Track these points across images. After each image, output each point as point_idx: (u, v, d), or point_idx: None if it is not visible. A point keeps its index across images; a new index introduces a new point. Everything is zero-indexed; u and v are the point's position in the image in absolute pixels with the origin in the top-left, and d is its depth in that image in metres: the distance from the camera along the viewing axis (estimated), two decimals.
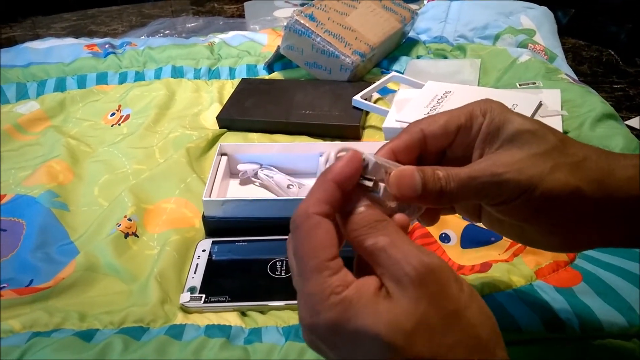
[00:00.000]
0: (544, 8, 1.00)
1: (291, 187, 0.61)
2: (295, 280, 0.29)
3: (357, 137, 0.72)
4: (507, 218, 0.32)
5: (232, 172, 0.65)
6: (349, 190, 0.28)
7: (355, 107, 0.75)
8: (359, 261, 0.31)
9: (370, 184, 0.29)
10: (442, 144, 0.33)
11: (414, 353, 0.24)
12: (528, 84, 0.75)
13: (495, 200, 0.30)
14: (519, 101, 0.63)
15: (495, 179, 0.29)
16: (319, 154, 0.63)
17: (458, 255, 0.50)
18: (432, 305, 0.25)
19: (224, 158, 0.63)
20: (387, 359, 0.24)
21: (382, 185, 0.30)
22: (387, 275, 0.26)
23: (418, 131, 0.33)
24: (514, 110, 0.32)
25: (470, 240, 0.51)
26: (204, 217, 0.55)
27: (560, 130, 0.57)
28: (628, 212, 0.30)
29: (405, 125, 0.64)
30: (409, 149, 0.33)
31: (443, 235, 0.52)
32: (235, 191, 0.63)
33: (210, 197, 0.56)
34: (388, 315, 0.25)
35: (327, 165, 0.32)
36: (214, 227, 0.55)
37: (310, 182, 0.61)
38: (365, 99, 0.75)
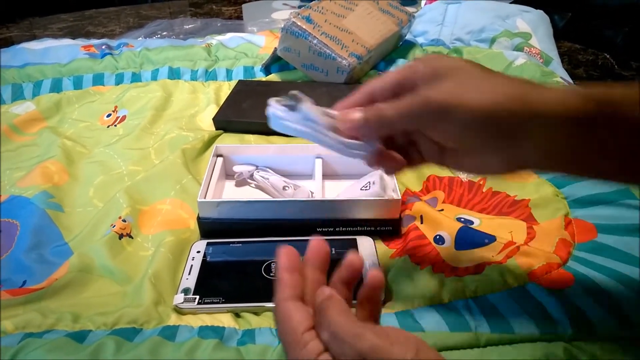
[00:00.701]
0: (540, 12, 1.00)
1: (287, 188, 0.61)
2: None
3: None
4: (449, 143, 0.36)
5: (227, 174, 0.65)
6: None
7: None
8: None
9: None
10: (390, 95, 0.37)
11: None
12: None
13: (427, 122, 0.36)
14: None
15: (424, 101, 0.34)
16: (314, 156, 0.63)
17: (452, 257, 0.50)
18: None
19: (220, 159, 0.63)
20: None
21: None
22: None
23: (368, 86, 0.39)
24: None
25: (464, 242, 0.51)
26: (198, 219, 0.55)
27: None
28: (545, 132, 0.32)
29: None
30: (362, 101, 0.39)
31: (437, 237, 0.53)
32: (231, 193, 0.63)
33: (205, 198, 0.56)
34: None
35: None
36: (209, 228, 0.55)
37: (305, 184, 0.62)
38: None
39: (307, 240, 0.54)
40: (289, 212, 0.54)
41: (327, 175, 0.64)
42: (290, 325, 0.31)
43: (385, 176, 0.57)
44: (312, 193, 0.60)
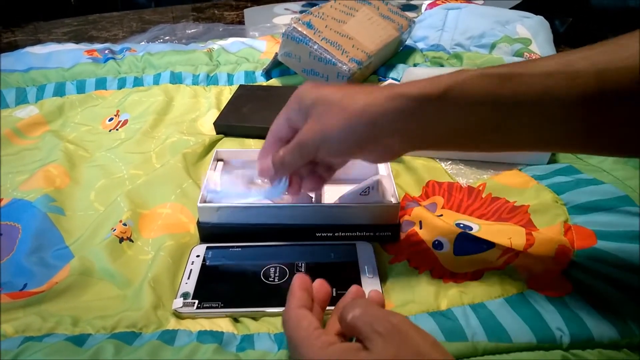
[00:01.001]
0: (540, 17, 1.00)
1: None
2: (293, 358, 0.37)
3: None
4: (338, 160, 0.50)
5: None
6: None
7: None
8: None
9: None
10: (291, 133, 0.46)
11: None
12: None
13: (309, 156, 0.45)
14: None
15: (300, 144, 0.44)
16: None
17: (451, 263, 0.50)
18: (400, 351, 0.31)
19: (220, 164, 0.63)
20: None
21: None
22: (364, 337, 0.33)
23: (272, 133, 0.49)
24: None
25: (463, 247, 0.51)
26: (198, 223, 0.55)
27: None
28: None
29: None
30: (274, 146, 0.48)
31: (436, 242, 0.53)
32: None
33: (205, 203, 0.56)
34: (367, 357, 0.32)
35: None
36: (209, 233, 0.56)
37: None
38: None
39: (306, 245, 0.54)
40: (289, 217, 0.54)
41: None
42: (302, 325, 0.36)
43: (384, 181, 0.57)
44: (311, 198, 0.60)
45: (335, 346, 0.34)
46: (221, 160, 0.64)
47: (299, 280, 0.41)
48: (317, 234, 0.55)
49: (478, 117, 0.38)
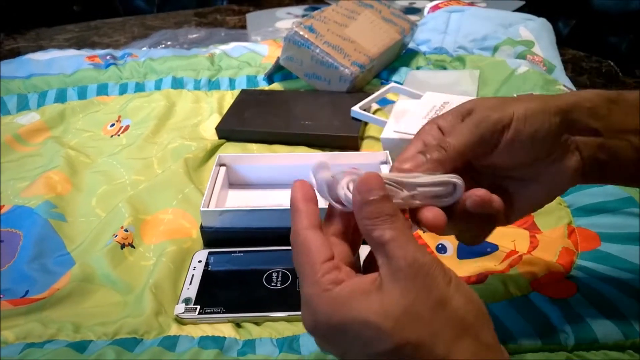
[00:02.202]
0: (543, 20, 1.00)
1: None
2: (300, 293, 0.31)
3: (356, 148, 0.72)
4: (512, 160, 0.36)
5: (230, 183, 0.65)
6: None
7: (354, 118, 0.75)
8: (369, 256, 0.34)
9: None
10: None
11: (401, 337, 0.27)
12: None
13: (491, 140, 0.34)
14: None
15: (484, 118, 0.34)
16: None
17: (454, 266, 0.50)
18: (419, 296, 0.27)
19: (223, 169, 0.63)
20: (377, 344, 0.27)
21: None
22: (385, 267, 0.29)
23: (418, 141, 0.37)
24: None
25: (466, 251, 0.51)
26: (201, 228, 0.55)
27: None
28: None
29: (403, 135, 0.65)
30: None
31: (440, 245, 0.52)
32: (233, 202, 0.63)
33: (208, 207, 0.56)
34: (377, 304, 0.27)
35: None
36: (212, 237, 0.55)
37: None
38: (364, 110, 0.76)
39: None
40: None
41: None
42: (308, 255, 0.30)
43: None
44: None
45: (342, 286, 0.29)
46: (224, 165, 0.64)
47: (301, 190, 0.34)
48: None
49: None
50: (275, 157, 0.65)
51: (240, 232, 0.55)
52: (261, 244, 0.54)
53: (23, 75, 0.94)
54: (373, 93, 0.79)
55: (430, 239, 0.53)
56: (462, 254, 0.51)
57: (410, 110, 0.70)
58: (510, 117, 0.34)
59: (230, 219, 0.54)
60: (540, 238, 0.51)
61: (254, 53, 1.02)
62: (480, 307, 0.29)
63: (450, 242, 0.52)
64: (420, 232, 0.54)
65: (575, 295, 0.44)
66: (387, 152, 0.62)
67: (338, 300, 0.28)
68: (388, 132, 0.67)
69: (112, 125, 0.82)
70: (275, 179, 0.64)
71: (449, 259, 0.51)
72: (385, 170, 0.61)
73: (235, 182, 0.65)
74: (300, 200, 0.33)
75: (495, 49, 0.94)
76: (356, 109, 0.75)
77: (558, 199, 0.56)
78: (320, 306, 0.29)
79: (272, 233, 0.54)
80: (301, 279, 0.31)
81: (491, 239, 0.51)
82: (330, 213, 0.34)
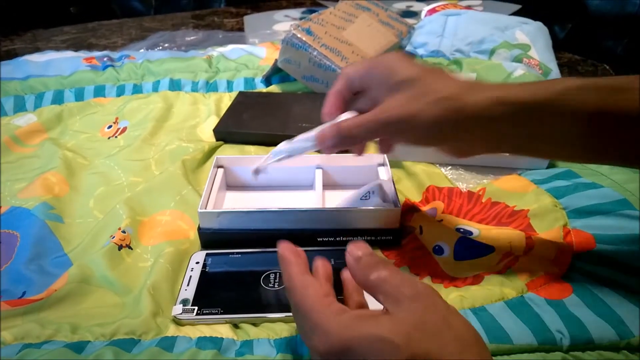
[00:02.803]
0: (539, 23, 1.00)
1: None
2: (302, 330, 0.34)
3: None
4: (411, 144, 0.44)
5: (228, 185, 0.65)
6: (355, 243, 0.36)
7: None
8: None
9: None
10: (360, 85, 0.45)
11: (413, 350, 0.28)
12: None
13: (389, 134, 0.44)
14: None
15: (383, 122, 0.42)
16: (315, 166, 0.64)
17: (451, 268, 0.50)
18: (426, 314, 0.30)
19: (220, 170, 0.63)
20: (390, 358, 0.28)
21: None
22: (389, 299, 0.31)
23: (345, 75, 0.46)
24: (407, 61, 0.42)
25: (463, 252, 0.51)
26: (199, 229, 0.55)
27: None
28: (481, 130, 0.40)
29: None
30: (338, 106, 0.47)
31: (437, 247, 0.53)
32: (231, 203, 0.63)
33: (206, 208, 0.56)
34: (388, 323, 0.30)
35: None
36: (210, 239, 0.56)
37: (306, 195, 0.62)
38: None
39: (305, 250, 0.54)
40: (290, 221, 0.54)
41: (327, 185, 0.64)
42: (309, 293, 0.33)
43: (385, 186, 0.57)
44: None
45: (350, 312, 0.31)
46: (221, 167, 0.64)
47: (287, 247, 0.38)
48: (318, 239, 0.55)
49: (580, 128, 0.38)
50: None
51: (238, 233, 0.55)
52: (259, 246, 0.54)
53: (20, 77, 0.94)
54: None
55: (428, 241, 0.53)
56: (458, 256, 0.51)
57: None
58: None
59: (228, 220, 0.54)
60: (536, 239, 0.51)
61: (251, 55, 1.02)
62: (477, 332, 0.31)
63: (448, 244, 0.52)
64: (417, 233, 0.54)
65: (571, 296, 0.44)
66: (385, 154, 0.62)
67: (349, 323, 0.30)
68: None
69: (110, 127, 0.82)
70: (273, 180, 0.65)
71: (446, 261, 0.51)
72: (383, 175, 0.62)
73: (232, 184, 0.65)
74: (289, 253, 0.37)
75: (491, 52, 0.94)
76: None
77: (554, 200, 0.57)
78: (332, 329, 0.30)
79: (270, 234, 0.54)
80: (307, 315, 0.32)
81: (488, 240, 0.51)
82: (315, 270, 0.39)
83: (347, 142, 0.44)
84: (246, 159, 0.65)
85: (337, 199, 0.61)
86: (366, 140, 0.46)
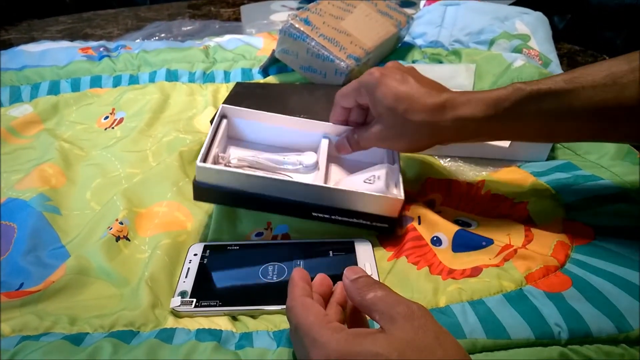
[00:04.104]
0: (539, 13, 1.00)
1: (286, 157, 0.59)
2: (300, 349, 0.35)
3: None
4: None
5: (229, 136, 0.62)
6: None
7: None
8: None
9: None
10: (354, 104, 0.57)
11: None
12: None
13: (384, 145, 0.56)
14: None
15: (373, 144, 0.56)
16: (322, 134, 0.62)
17: (449, 259, 0.50)
18: (419, 333, 0.32)
19: (224, 121, 0.60)
20: None
21: None
22: (384, 317, 0.33)
23: (339, 106, 0.58)
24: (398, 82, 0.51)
25: (461, 244, 0.51)
26: (194, 182, 0.53)
27: None
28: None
29: None
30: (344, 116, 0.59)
31: (435, 238, 0.52)
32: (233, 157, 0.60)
33: (205, 162, 0.53)
34: (384, 341, 0.31)
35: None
36: (204, 194, 0.54)
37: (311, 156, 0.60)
38: None
39: (304, 243, 0.54)
40: (288, 192, 0.53)
41: (333, 157, 0.62)
42: (311, 311, 0.35)
43: (392, 173, 0.56)
44: (317, 163, 0.59)
45: (348, 330, 0.33)
46: (225, 117, 0.61)
47: (299, 273, 0.41)
48: (313, 213, 0.54)
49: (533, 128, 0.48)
50: (280, 119, 0.62)
51: (233, 193, 0.53)
52: (252, 207, 0.55)
53: (15, 67, 0.93)
54: None
55: (426, 231, 0.53)
56: (457, 247, 0.51)
57: None
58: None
59: (226, 178, 0.52)
60: (535, 232, 0.51)
61: (248, 46, 1.01)
62: (466, 353, 0.33)
63: (446, 235, 0.52)
64: (415, 224, 0.54)
65: (569, 289, 0.44)
66: None
67: (348, 339, 0.32)
68: None
69: (106, 117, 0.82)
70: (278, 140, 0.63)
71: (444, 252, 0.51)
72: (391, 161, 0.60)
73: (235, 137, 0.63)
74: (298, 279, 0.40)
75: (491, 43, 0.94)
76: None
77: (553, 193, 0.57)
78: (331, 343, 0.32)
79: (265, 200, 0.53)
80: (307, 333, 0.34)
81: (486, 232, 0.51)
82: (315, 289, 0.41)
83: (357, 149, 0.58)
84: (251, 113, 0.62)
85: (340, 174, 0.60)
86: (371, 147, 0.57)
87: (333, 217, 0.54)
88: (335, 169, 0.62)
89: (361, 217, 0.54)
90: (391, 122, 0.51)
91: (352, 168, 0.61)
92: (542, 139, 0.55)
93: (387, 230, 0.54)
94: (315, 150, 0.61)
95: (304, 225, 0.57)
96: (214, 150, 0.56)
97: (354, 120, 0.59)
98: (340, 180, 0.58)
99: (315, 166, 0.59)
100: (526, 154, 0.65)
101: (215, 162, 0.56)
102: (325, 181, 0.58)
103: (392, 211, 0.53)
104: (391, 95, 0.50)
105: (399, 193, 0.53)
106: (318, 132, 0.62)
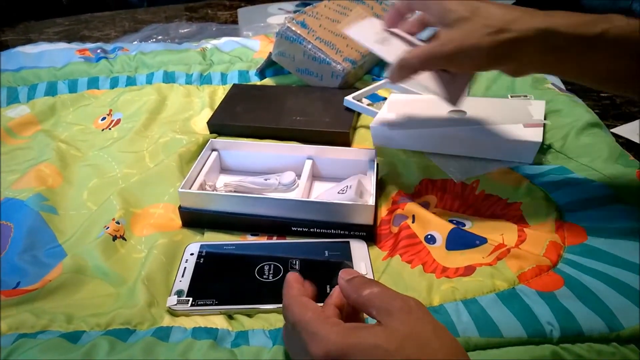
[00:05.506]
0: None
1: (268, 179, 0.63)
2: (297, 346, 0.36)
3: (347, 143, 0.73)
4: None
5: (221, 168, 0.67)
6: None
7: (347, 109, 0.76)
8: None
9: None
10: (417, 9, 0.52)
11: (404, 355, 0.30)
12: (520, 96, 0.76)
13: (447, 64, 0.49)
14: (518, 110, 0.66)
15: (437, 55, 0.47)
16: (305, 157, 0.65)
17: (443, 257, 0.51)
18: (416, 325, 0.32)
19: (214, 153, 0.65)
20: None
21: None
22: (381, 312, 0.34)
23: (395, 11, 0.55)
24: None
25: (455, 242, 0.52)
26: (179, 208, 0.57)
27: (541, 139, 0.59)
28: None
29: (391, 126, 0.65)
30: (403, 9, 0.55)
31: (429, 236, 0.53)
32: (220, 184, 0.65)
33: (189, 189, 0.58)
34: (382, 333, 0.32)
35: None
36: (188, 218, 0.58)
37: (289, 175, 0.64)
38: (358, 101, 0.76)
39: (299, 242, 0.54)
40: (265, 209, 0.56)
41: (317, 176, 0.66)
42: (309, 308, 0.36)
43: (364, 182, 0.58)
44: (297, 178, 0.62)
45: (346, 324, 0.34)
46: (215, 150, 0.64)
47: (293, 275, 0.41)
48: (292, 228, 0.56)
49: (623, 61, 0.43)
50: (265, 147, 0.67)
51: (215, 215, 0.57)
52: (235, 229, 0.57)
53: (13, 68, 0.93)
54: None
55: (420, 230, 0.54)
56: (450, 245, 0.52)
57: (404, 100, 0.71)
58: None
59: (207, 201, 0.56)
60: (528, 232, 0.52)
61: (245, 48, 1.02)
62: (462, 348, 0.33)
63: (440, 233, 0.53)
64: (409, 222, 0.55)
65: (562, 288, 0.44)
66: (375, 150, 0.63)
67: (347, 331, 0.33)
68: (377, 121, 0.67)
69: (103, 118, 0.82)
70: (265, 167, 0.66)
71: (438, 250, 0.52)
72: (368, 171, 0.62)
73: (225, 167, 0.67)
74: (293, 280, 0.40)
75: None
76: (349, 98, 0.75)
77: (546, 195, 0.57)
78: (331, 336, 0.32)
79: (246, 220, 0.56)
80: (305, 328, 0.34)
81: (480, 231, 0.52)
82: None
83: (409, 71, 0.50)
84: (239, 144, 0.67)
85: (321, 191, 0.62)
86: (426, 70, 0.51)
87: (312, 230, 0.56)
88: (318, 186, 0.65)
89: (338, 228, 0.55)
90: (463, 30, 0.46)
91: (331, 185, 0.63)
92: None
93: (365, 239, 0.55)
94: (301, 171, 0.64)
95: None
96: (201, 178, 0.60)
97: (407, 29, 0.56)
98: (317, 196, 0.61)
99: (293, 184, 0.63)
100: (512, 154, 0.64)
101: (202, 189, 0.61)
102: (307, 197, 0.61)
103: (365, 218, 0.54)
104: (462, 4, 0.47)
105: (370, 200, 0.55)
106: (303, 155, 0.65)
